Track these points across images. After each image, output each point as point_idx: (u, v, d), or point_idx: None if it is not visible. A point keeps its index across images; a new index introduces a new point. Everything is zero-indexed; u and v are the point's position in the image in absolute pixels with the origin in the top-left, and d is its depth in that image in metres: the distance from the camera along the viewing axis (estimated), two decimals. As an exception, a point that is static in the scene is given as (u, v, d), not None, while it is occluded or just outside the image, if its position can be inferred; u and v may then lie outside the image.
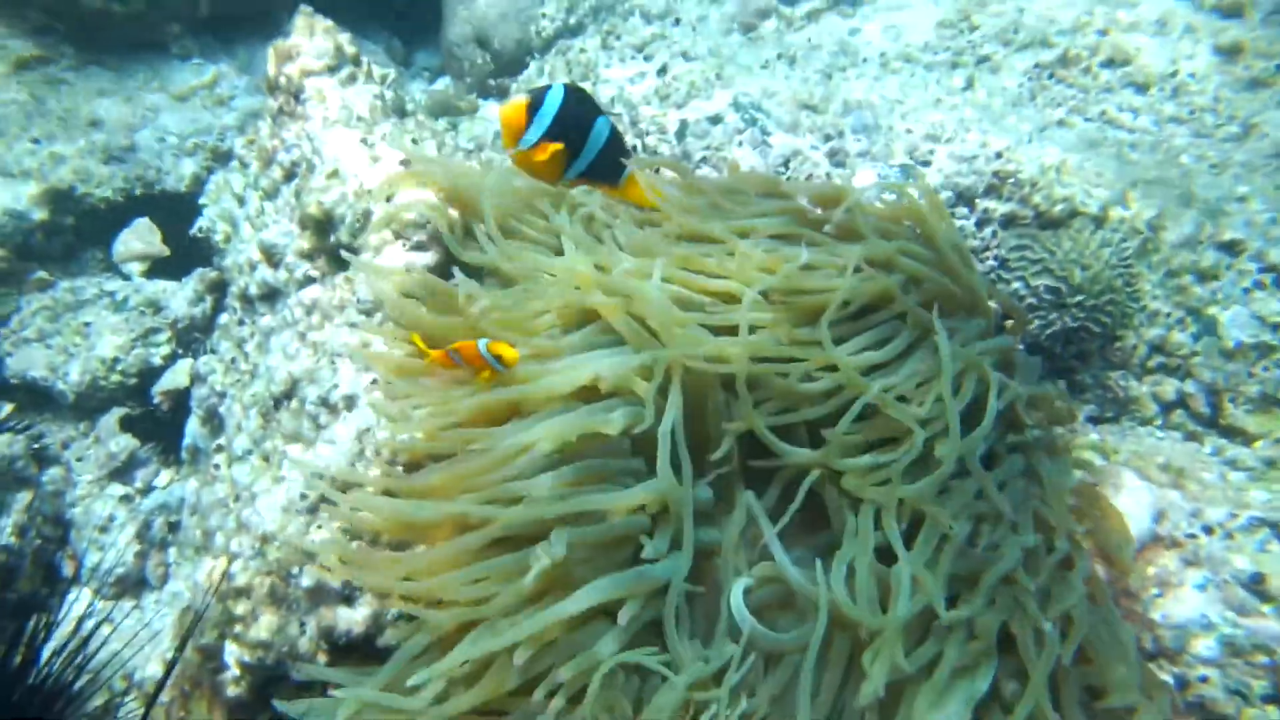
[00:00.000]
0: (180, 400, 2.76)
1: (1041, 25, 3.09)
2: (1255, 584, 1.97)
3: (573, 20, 3.39)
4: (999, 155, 2.53)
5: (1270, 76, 2.82)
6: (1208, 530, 2.10)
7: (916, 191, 1.83)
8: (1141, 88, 2.97)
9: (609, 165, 1.80)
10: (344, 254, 1.98)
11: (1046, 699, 1.39)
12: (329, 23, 2.37)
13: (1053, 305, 2.51)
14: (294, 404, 2.03)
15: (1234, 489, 2.30)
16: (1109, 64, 3.02)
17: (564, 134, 1.73)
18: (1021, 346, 2.27)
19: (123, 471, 2.75)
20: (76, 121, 3.00)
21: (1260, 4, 2.98)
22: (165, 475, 2.80)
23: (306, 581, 1.72)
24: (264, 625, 1.72)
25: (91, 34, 3.21)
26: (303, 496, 1.81)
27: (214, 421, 2.62)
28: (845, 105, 2.63)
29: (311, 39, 2.32)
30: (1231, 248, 2.53)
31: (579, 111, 1.75)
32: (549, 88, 1.72)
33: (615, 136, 1.79)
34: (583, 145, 1.77)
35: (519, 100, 1.71)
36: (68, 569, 2.59)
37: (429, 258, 2.09)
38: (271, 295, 2.34)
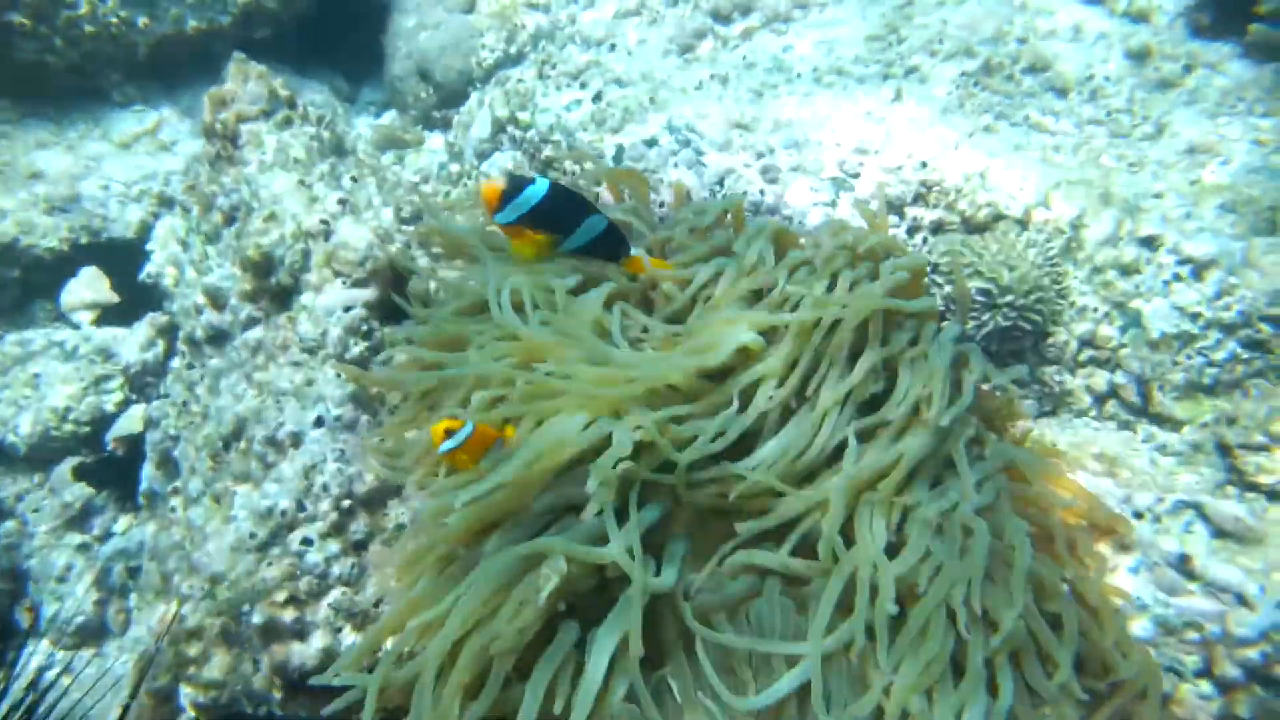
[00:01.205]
0: (135, 445, 2.77)
1: (965, 35, 3.20)
2: (1182, 564, 2.06)
3: (513, 49, 3.45)
4: (924, 165, 2.62)
5: (1177, 77, 2.94)
6: (1138, 515, 2.18)
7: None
8: (1061, 92, 3.09)
9: (608, 247, 1.88)
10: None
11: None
12: (262, 68, 2.41)
13: (985, 306, 2.60)
14: (242, 444, 2.05)
15: (1164, 474, 2.39)
16: (1030, 70, 3.13)
17: (546, 225, 1.80)
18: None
19: (79, 520, 2.74)
20: (15, 174, 3.01)
21: (1165, 9, 3.11)
22: (124, 521, 2.80)
23: (258, 619, 1.74)
24: (216, 665, 1.75)
25: (28, 86, 3.23)
26: (252, 535, 1.83)
27: (168, 465, 2.63)
28: (776, 123, 2.71)
29: (245, 85, 2.36)
30: (1150, 242, 2.63)
31: (563, 207, 1.81)
32: (533, 180, 1.79)
33: (609, 229, 1.86)
34: (574, 229, 1.83)
35: (495, 184, 1.78)
36: (24, 621, 2.58)
37: (369, 294, 2.14)
38: (218, 337, 2.36)
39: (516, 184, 1.77)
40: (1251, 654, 1.93)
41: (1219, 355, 2.52)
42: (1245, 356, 2.51)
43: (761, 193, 2.61)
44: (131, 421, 2.81)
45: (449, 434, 1.52)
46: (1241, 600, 1.98)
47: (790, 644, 1.55)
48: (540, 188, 1.77)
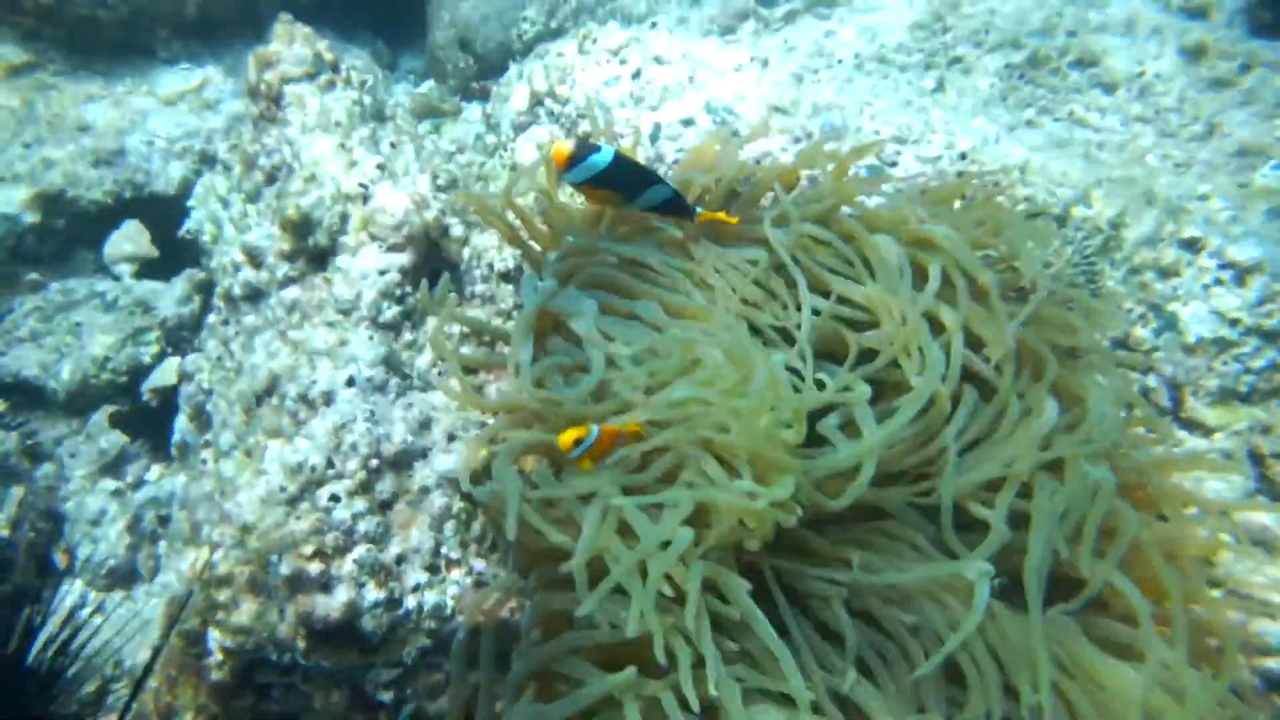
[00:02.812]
0: (169, 397, 2.83)
1: (1012, 26, 3.15)
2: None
3: (554, 24, 3.45)
4: (963, 156, 2.59)
5: (1233, 76, 2.87)
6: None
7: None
8: (1109, 88, 3.03)
9: (675, 208, 2.03)
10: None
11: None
12: (308, 30, 2.43)
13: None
14: (275, 400, 2.09)
15: (1192, 482, 2.37)
16: (1078, 65, 3.07)
17: (610, 188, 1.97)
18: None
19: (113, 467, 2.82)
20: (65, 126, 3.07)
21: (1224, 5, 3.04)
22: (156, 469, 2.87)
23: (285, 570, 1.79)
24: (245, 611, 1.79)
25: (79, 40, 3.28)
26: (282, 489, 1.88)
27: (201, 418, 2.69)
28: (814, 107, 2.69)
29: (290, 46, 2.39)
30: (1192, 245, 2.59)
31: (628, 176, 1.97)
32: (599, 148, 1.93)
33: (675, 196, 2.01)
34: (636, 197, 1.99)
35: (564, 146, 1.92)
36: (61, 561, 2.66)
37: (405, 259, 2.17)
38: (254, 295, 2.40)
39: (583, 150, 1.90)
40: (1273, 664, 1.92)
41: (1257, 363, 2.48)
42: (1283, 365, 2.47)
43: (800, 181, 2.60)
44: (166, 374, 2.88)
45: (577, 442, 1.66)
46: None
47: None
48: (605, 155, 1.90)
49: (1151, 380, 2.59)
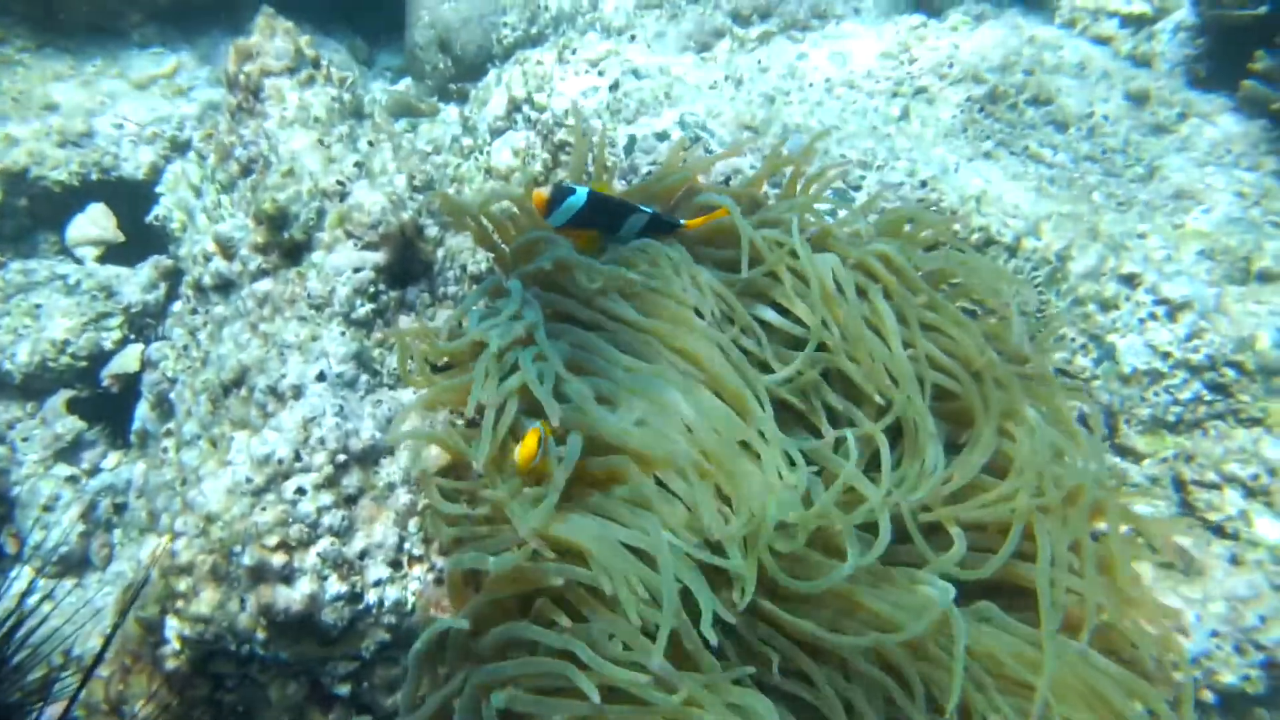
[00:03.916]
0: (129, 384, 2.81)
1: (974, 61, 3.29)
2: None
3: (534, 30, 3.50)
4: (924, 184, 2.71)
5: (1172, 123, 3.05)
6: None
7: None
8: (1062, 126, 3.19)
9: (659, 228, 2.13)
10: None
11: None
12: (289, 24, 2.45)
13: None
14: (243, 391, 2.11)
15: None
16: (1034, 102, 3.23)
17: (590, 227, 2.06)
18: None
19: (69, 452, 2.79)
20: (30, 104, 3.02)
21: (1166, 56, 3.22)
22: (113, 457, 2.85)
23: (248, 560, 1.81)
24: (205, 601, 1.81)
25: (48, 17, 3.23)
26: (248, 480, 1.90)
27: (164, 406, 2.67)
28: (784, 129, 2.78)
29: (272, 40, 2.40)
30: (1131, 280, 2.74)
31: (606, 212, 2.07)
32: (573, 191, 2.02)
33: (654, 218, 2.11)
34: (618, 229, 2.09)
35: (541, 192, 2.01)
36: (9, 547, 2.62)
37: (379, 257, 2.20)
38: (225, 286, 2.41)
39: (558, 194, 2.01)
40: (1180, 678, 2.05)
41: (1184, 395, 2.64)
42: (1208, 398, 2.63)
43: (765, 194, 2.69)
44: (127, 360, 2.85)
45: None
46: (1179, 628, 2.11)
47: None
48: (579, 198, 2.01)
49: (1088, 407, 2.74)
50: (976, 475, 1.93)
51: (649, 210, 2.10)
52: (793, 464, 1.80)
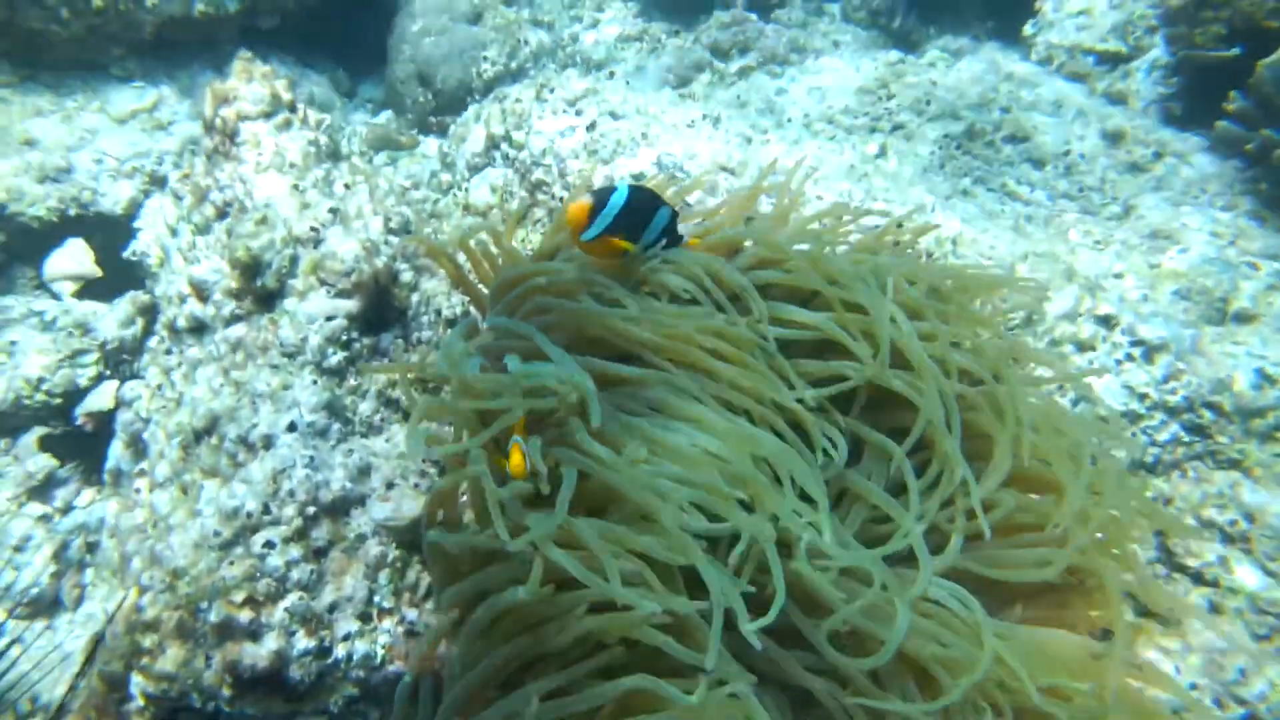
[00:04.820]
0: (104, 421, 2.79)
1: (952, 99, 3.32)
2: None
3: (514, 64, 3.51)
4: (899, 225, 2.72)
5: (1148, 162, 3.07)
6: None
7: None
8: (1039, 163, 3.21)
9: (671, 236, 2.07)
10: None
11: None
12: (266, 68, 2.45)
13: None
14: (214, 439, 2.10)
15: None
16: (1011, 139, 3.25)
17: (627, 227, 1.98)
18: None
19: (41, 491, 2.76)
20: (10, 140, 3.02)
21: (1141, 95, 3.25)
22: (87, 495, 2.82)
23: (214, 617, 1.80)
24: (170, 658, 1.79)
25: (31, 53, 3.23)
26: (216, 534, 1.88)
27: (137, 446, 2.66)
28: (760, 170, 2.79)
29: (249, 84, 2.41)
30: (1107, 321, 2.76)
31: (640, 206, 1.99)
32: (614, 189, 1.96)
33: (673, 218, 2.06)
34: (644, 230, 2.01)
35: (584, 201, 1.93)
36: (-21, 589, 2.59)
37: (353, 305, 2.20)
38: (199, 329, 2.40)
39: (601, 196, 1.93)
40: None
41: (1162, 436, 2.65)
42: (1186, 440, 2.64)
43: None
44: (103, 397, 2.84)
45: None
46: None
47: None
48: (620, 195, 1.94)
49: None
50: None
51: (671, 207, 2.05)
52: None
